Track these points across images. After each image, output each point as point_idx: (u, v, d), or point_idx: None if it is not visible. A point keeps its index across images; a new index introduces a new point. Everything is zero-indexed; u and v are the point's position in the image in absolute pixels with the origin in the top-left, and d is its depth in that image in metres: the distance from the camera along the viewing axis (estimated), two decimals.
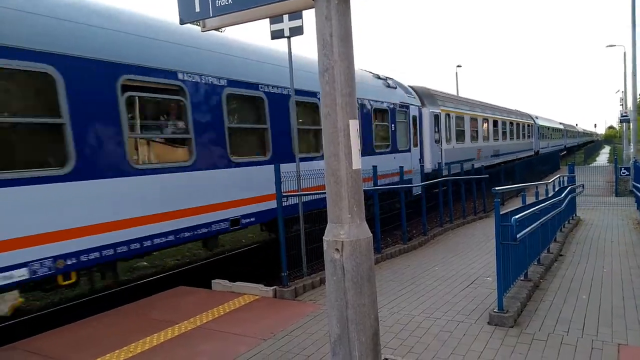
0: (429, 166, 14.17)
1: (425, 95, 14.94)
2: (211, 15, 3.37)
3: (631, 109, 21.86)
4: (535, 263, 6.99)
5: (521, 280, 6.08)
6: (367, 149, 10.88)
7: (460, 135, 17.31)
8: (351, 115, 3.14)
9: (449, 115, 16.12)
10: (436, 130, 15.07)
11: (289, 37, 6.68)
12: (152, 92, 6.25)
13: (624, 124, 28.91)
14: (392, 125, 12.29)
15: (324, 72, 3.13)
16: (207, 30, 3.91)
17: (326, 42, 3.09)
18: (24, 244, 4.80)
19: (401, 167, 10.29)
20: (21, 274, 4.77)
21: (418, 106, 14.07)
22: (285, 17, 6.54)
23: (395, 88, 12.97)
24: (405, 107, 13.12)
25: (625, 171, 18.03)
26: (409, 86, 14.57)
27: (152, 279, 8.70)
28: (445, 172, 13.50)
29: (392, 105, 12.37)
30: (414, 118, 13.64)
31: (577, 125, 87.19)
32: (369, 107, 11.29)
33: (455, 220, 12.39)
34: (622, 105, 32.97)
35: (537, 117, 34.49)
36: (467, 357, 4.14)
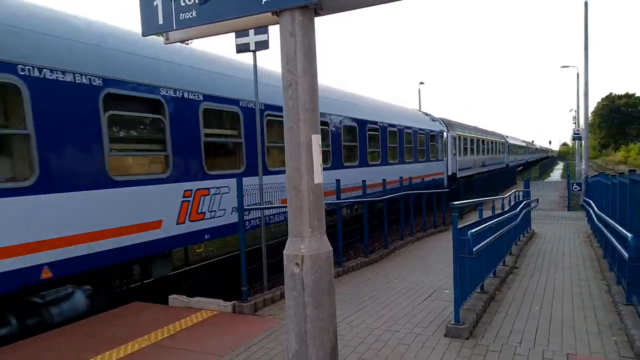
0: (450, 170, 21.11)
1: (448, 124, 22.14)
2: (174, 28, 3.35)
3: (583, 127, 22.92)
4: (491, 275, 7.20)
5: (477, 292, 6.24)
6: (427, 159, 18.14)
7: (465, 151, 24.89)
8: (314, 130, 3.18)
9: (460, 137, 23.57)
10: (453, 147, 22.26)
11: (254, 51, 6.70)
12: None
13: (577, 141, 30.25)
14: (438, 143, 19.72)
15: (287, 87, 3.16)
16: (171, 42, 3.88)
17: (290, 57, 3.13)
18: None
19: (364, 181, 10.37)
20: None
21: (445, 131, 20.99)
22: (251, 31, 6.57)
23: (435, 121, 20.45)
24: (441, 133, 20.36)
25: (577, 186, 18.85)
26: (439, 118, 21.66)
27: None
28: (461, 174, 22.03)
29: (435, 132, 19.53)
30: (442, 137, 20.54)
31: (533, 142, 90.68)
32: (426, 133, 18.14)
33: (416, 234, 12.61)
34: (575, 123, 34.48)
35: (507, 137, 41.55)
36: None
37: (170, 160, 6.76)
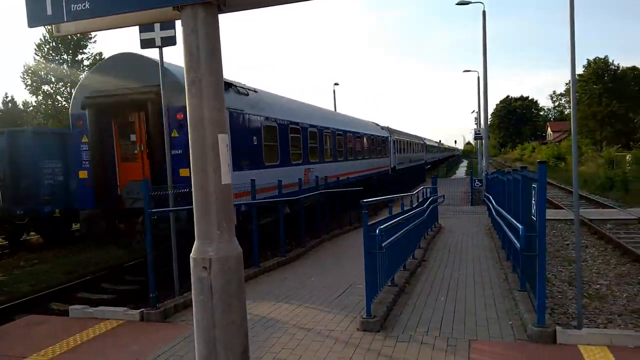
0: (392, 164, 28.03)
1: (390, 131, 28.95)
2: (65, 20, 3.10)
3: (483, 127, 24.66)
4: (402, 269, 7.50)
5: (388, 285, 6.47)
6: (380, 156, 24.94)
7: (401, 150, 32.10)
8: (220, 130, 3.10)
9: (397, 140, 30.56)
10: (394, 147, 28.95)
11: (160, 47, 6.43)
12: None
13: (478, 140, 32.49)
14: (384, 144, 26.36)
15: (191, 85, 3.05)
16: (62, 35, 3.59)
17: (193, 55, 3.02)
18: None
19: (279, 181, 10.35)
20: None
21: (389, 136, 27.66)
22: (157, 26, 6.29)
23: (383, 129, 27.33)
24: (386, 137, 26.98)
25: (478, 183, 20.24)
26: (385, 126, 28.69)
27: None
28: (399, 167, 29.37)
29: (383, 137, 26.19)
30: (387, 141, 27.19)
31: (440, 141, 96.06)
32: (376, 137, 24.28)
33: (332, 231, 12.84)
34: (477, 124, 37.01)
35: (424, 138, 51.37)
36: None
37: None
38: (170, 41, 6.26)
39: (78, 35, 39.82)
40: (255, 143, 11.06)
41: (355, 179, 18.41)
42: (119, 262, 11.07)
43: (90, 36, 42.23)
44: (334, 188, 14.26)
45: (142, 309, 5.77)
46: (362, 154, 21.35)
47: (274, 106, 12.73)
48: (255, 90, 11.80)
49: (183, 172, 8.35)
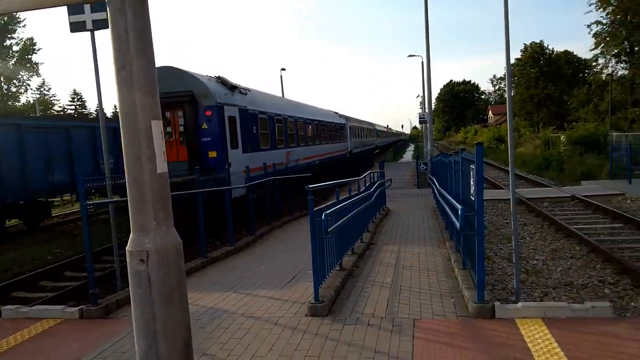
0: (349, 148, 30.80)
1: (347, 118, 32.09)
2: None
3: (427, 111, 25.24)
4: (350, 253, 7.59)
5: (337, 270, 6.53)
6: (339, 141, 27.97)
7: (356, 135, 35.37)
8: (153, 116, 2.96)
9: (353, 127, 33.86)
10: (350, 133, 31.92)
11: (92, 30, 6.08)
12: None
13: (423, 124, 33.25)
14: (342, 130, 29.46)
15: (120, 69, 2.88)
16: None
17: (121, 37, 2.85)
18: None
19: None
20: None
21: (345, 123, 30.80)
22: (87, 7, 5.94)
23: (341, 117, 30.36)
24: (344, 124, 30.18)
25: (423, 166, 20.78)
26: (343, 114, 31.80)
27: None
28: (354, 151, 32.42)
29: (341, 124, 29.42)
30: (345, 127, 30.40)
31: (387, 126, 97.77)
32: (335, 124, 27.53)
33: (282, 218, 12.80)
34: (422, 108, 37.83)
35: (375, 124, 54.00)
36: (284, 351, 4.28)
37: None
38: (103, 24, 5.92)
39: (5, 18, 37.19)
40: (254, 132, 14.34)
41: (321, 160, 22.30)
42: (59, 258, 10.56)
43: (19, 19, 39.60)
44: (305, 169, 17.89)
45: (82, 306, 5.53)
46: (327, 140, 25.01)
47: (264, 101, 16.09)
48: (249, 90, 14.83)
49: (211, 154, 11.96)
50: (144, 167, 2.96)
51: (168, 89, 11.28)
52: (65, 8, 5.75)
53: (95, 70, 6.37)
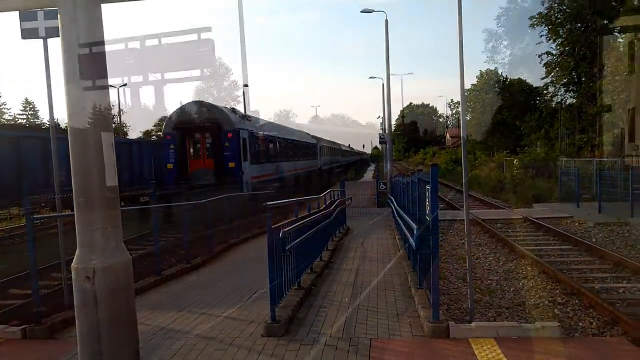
0: (319, 165, 34.82)
1: (317, 138, 36.98)
2: None
3: (387, 132, 25.73)
4: (308, 271, 7.53)
5: (295, 288, 6.45)
6: (311, 158, 33.13)
7: (327, 153, 40.90)
8: (104, 128, 2.87)
9: (322, 146, 38.12)
10: (320, 151, 35.94)
11: (44, 38, 5.87)
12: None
13: (383, 145, 33.83)
14: (315, 149, 34.44)
15: (70, 79, 2.79)
16: None
17: (72, 46, 2.77)
18: None
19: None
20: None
21: (317, 143, 35.15)
22: (41, 14, 5.75)
23: (313, 137, 35.28)
24: (315, 144, 34.57)
25: (383, 185, 21.06)
26: (314, 135, 36.94)
27: None
28: (323, 167, 36.79)
29: (313, 143, 34.19)
30: (316, 147, 34.70)
31: (349, 145, 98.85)
32: (309, 144, 32.98)
33: (242, 235, 12.61)
34: (382, 129, 38.54)
35: (340, 144, 59.33)
36: None
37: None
38: (56, 32, 5.71)
39: None
40: (257, 149, 19.64)
41: (299, 174, 27.44)
42: (4, 275, 9.97)
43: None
44: (288, 180, 23.89)
45: (25, 326, 5.22)
46: (303, 157, 30.27)
47: (263, 125, 21.91)
48: (251, 117, 20.13)
49: (230, 165, 17.22)
50: (92, 180, 2.86)
51: (200, 118, 16.98)
52: (17, 13, 5.55)
53: (47, 79, 6.14)
